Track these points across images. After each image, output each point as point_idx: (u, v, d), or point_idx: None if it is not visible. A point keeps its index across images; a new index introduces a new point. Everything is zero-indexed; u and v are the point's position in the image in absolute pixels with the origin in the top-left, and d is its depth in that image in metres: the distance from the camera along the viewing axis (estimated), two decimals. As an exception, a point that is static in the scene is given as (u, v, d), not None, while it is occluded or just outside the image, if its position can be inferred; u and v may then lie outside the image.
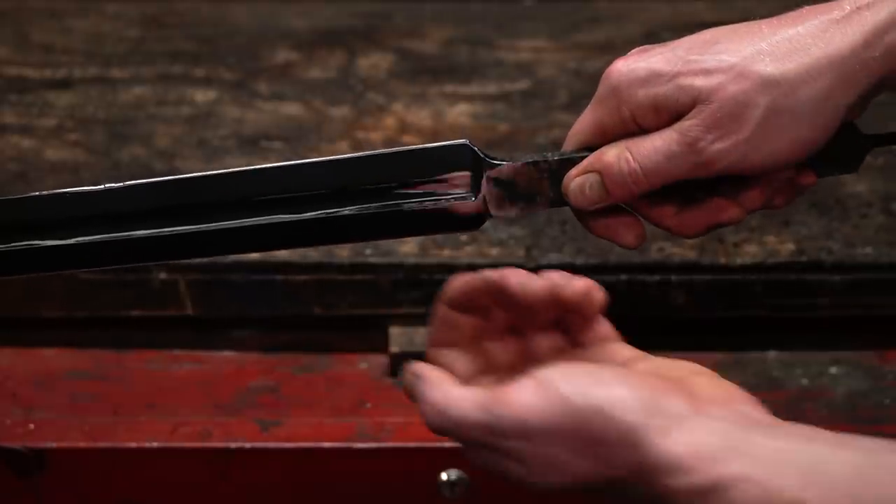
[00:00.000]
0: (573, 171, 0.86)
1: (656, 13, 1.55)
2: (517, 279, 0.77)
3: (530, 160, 0.87)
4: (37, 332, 1.18)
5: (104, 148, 1.32)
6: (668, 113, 0.83)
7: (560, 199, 0.87)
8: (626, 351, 0.79)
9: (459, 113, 1.38)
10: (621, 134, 0.85)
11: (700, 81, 0.81)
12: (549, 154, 0.87)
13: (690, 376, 0.75)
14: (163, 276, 1.16)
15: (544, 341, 0.80)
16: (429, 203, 0.86)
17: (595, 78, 0.85)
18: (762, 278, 1.16)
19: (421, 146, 0.86)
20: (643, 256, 1.16)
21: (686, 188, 0.85)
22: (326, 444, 1.07)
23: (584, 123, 0.86)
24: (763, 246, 1.17)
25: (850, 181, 1.25)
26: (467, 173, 0.86)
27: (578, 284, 0.77)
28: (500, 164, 0.86)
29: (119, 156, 1.30)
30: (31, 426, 1.09)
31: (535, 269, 1.14)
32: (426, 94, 1.41)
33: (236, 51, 1.49)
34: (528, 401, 0.72)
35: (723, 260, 1.16)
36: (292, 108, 1.39)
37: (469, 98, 1.40)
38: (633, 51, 0.85)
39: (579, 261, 1.16)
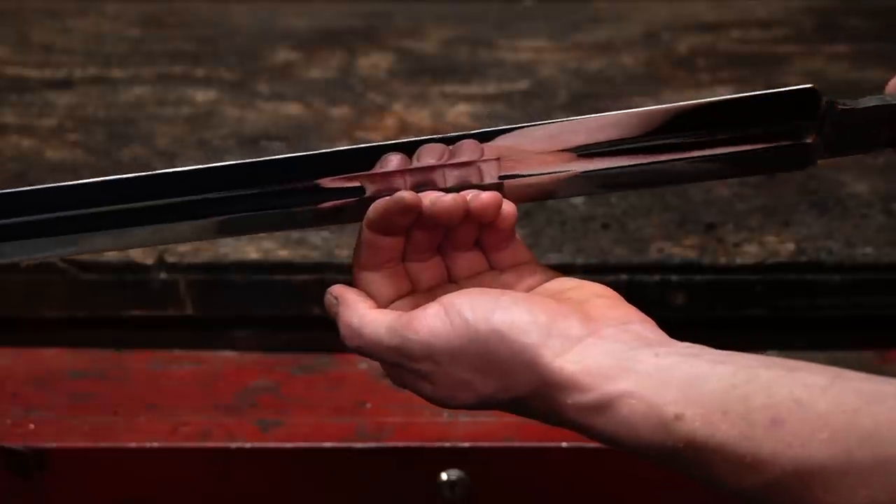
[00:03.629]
0: None
1: (656, 13, 1.55)
2: (430, 197, 0.80)
3: (872, 104, 0.85)
4: (37, 332, 1.18)
5: (104, 148, 1.32)
6: None
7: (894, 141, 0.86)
8: (539, 273, 0.83)
9: (459, 113, 1.38)
10: None
11: None
12: (890, 96, 0.86)
13: (592, 298, 0.79)
14: (163, 276, 1.16)
15: (464, 263, 0.83)
16: (762, 145, 0.84)
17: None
18: (762, 278, 1.16)
19: (766, 91, 0.83)
20: (643, 256, 1.16)
21: None
22: (326, 444, 1.07)
23: None
24: (763, 246, 1.17)
25: (850, 181, 1.25)
26: (809, 118, 0.84)
27: (486, 195, 0.80)
28: (843, 107, 0.84)
29: (119, 156, 1.30)
30: (31, 426, 1.09)
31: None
32: (426, 94, 1.41)
33: (236, 51, 1.49)
34: (433, 325, 0.76)
35: (723, 260, 1.16)
36: (292, 108, 1.39)
37: (469, 98, 1.40)
38: None
39: (579, 260, 1.16)
